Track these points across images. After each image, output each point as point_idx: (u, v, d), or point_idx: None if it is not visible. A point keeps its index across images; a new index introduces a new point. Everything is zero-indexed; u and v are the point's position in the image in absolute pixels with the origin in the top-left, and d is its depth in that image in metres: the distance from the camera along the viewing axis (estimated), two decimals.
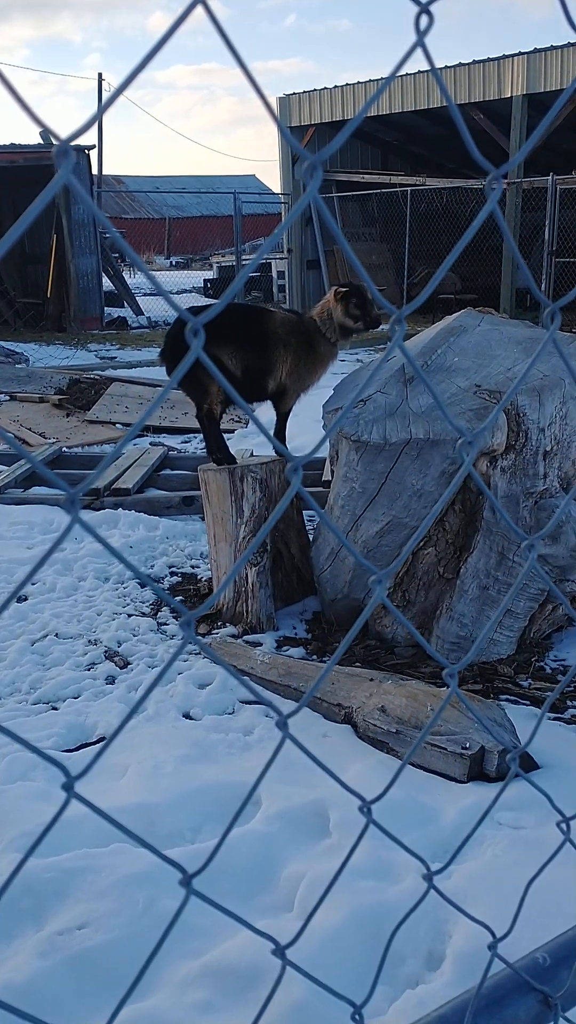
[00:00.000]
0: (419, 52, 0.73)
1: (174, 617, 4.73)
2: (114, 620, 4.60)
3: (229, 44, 0.60)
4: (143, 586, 5.11)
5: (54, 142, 0.61)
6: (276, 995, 2.42)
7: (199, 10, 0.66)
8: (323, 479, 6.47)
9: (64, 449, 7.67)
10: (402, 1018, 2.23)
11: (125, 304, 19.80)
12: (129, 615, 4.68)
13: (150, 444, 8.36)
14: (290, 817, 2.95)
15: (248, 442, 8.00)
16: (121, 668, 4.11)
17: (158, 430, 9.09)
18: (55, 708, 3.74)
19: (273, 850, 2.80)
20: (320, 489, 6.17)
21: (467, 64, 18.04)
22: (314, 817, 2.97)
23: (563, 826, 1.04)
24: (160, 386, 10.33)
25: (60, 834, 2.80)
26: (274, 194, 29.11)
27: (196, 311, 4.57)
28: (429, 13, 0.60)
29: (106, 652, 4.25)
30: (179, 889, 2.72)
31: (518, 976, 0.80)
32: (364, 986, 2.39)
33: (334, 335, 4.49)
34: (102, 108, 0.60)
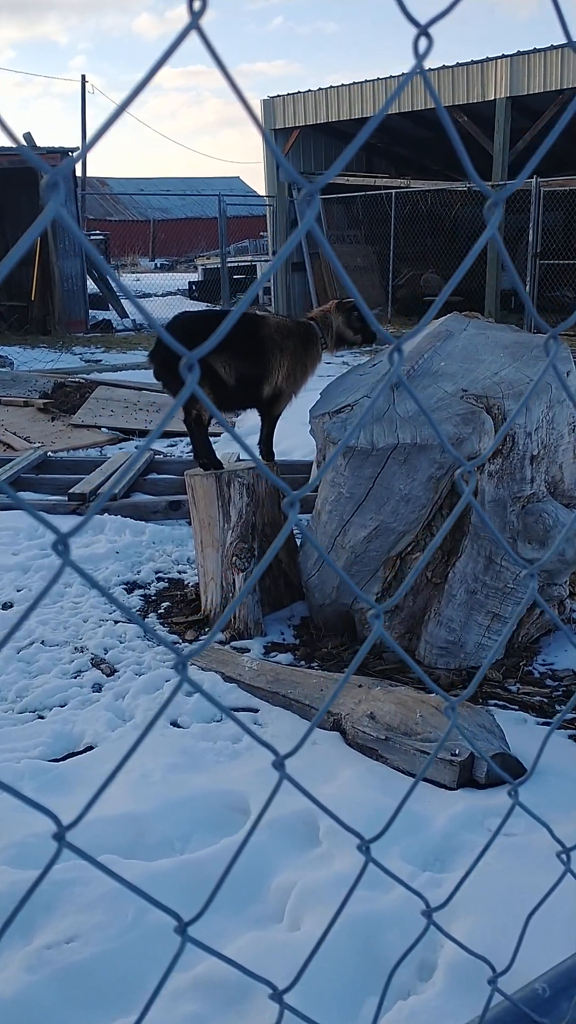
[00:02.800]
0: (410, 52, 0.72)
1: (160, 624, 4.71)
2: (100, 627, 4.57)
3: (223, 68, 0.58)
4: (130, 591, 5.08)
5: (49, 165, 0.60)
6: (267, 1006, 2.40)
7: (185, 10, 0.65)
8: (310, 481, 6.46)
9: (49, 453, 7.62)
10: None
11: (110, 306, 19.75)
12: (116, 622, 4.65)
13: (136, 448, 8.33)
14: (279, 826, 2.93)
15: (234, 446, 7.97)
16: (108, 676, 4.08)
17: (144, 434, 9.06)
18: (41, 717, 3.72)
19: (263, 860, 2.78)
20: (308, 493, 6.16)
21: (451, 67, 18.08)
22: (303, 826, 2.96)
23: (563, 856, 1.04)
24: (146, 389, 10.30)
25: (48, 846, 2.78)
26: (258, 196, 29.11)
27: (187, 318, 4.58)
28: (428, 36, 0.59)
29: (92, 659, 4.22)
30: (169, 901, 2.68)
31: (517, 1008, 0.79)
32: (356, 995, 2.39)
33: (331, 341, 4.60)
34: (99, 131, 0.58)
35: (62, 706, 3.79)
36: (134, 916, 2.49)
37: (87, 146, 0.55)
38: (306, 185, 0.60)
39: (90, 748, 3.47)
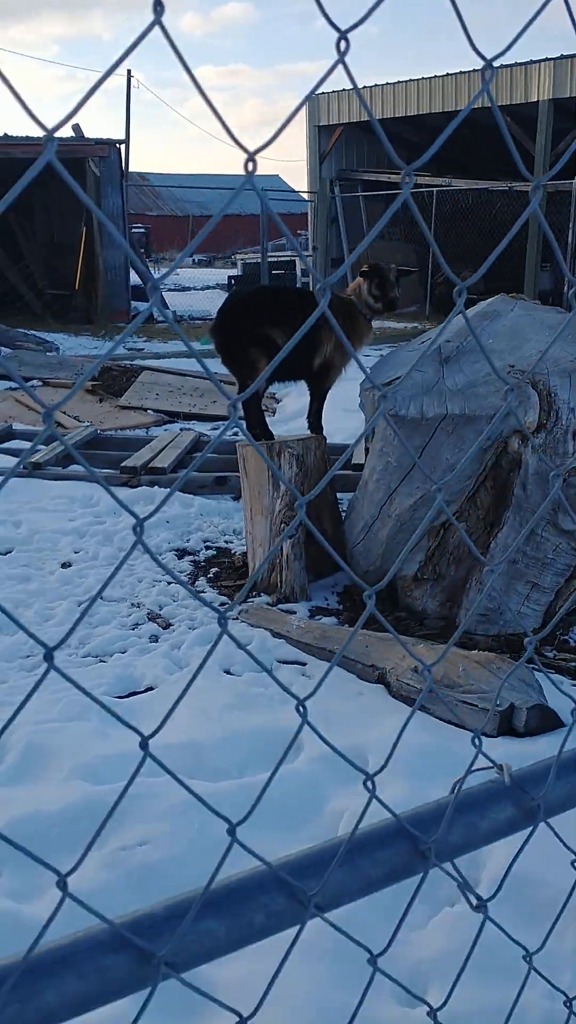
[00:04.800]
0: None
1: (210, 587, 4.92)
2: (154, 587, 4.79)
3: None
4: (181, 556, 5.30)
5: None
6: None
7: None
8: (351, 461, 6.65)
9: (99, 431, 7.88)
10: (440, 928, 2.43)
11: (151, 298, 20.00)
12: (168, 583, 4.87)
13: (181, 430, 8.57)
14: (331, 760, 3.13)
15: (277, 429, 8.17)
16: (163, 628, 4.30)
17: (188, 416, 9.30)
18: (103, 661, 3.94)
19: (316, 788, 2.98)
20: (348, 472, 6.34)
21: (495, 68, 18.16)
22: (354, 760, 3.16)
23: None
24: (189, 375, 10.53)
25: (118, 764, 3.00)
26: (296, 192, 29.32)
27: (244, 294, 4.80)
28: (491, 67, 0.76)
29: (149, 614, 4.44)
30: (229, 815, 2.93)
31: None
32: (400, 902, 2.58)
33: (368, 312, 4.76)
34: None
35: (122, 653, 4.01)
36: (199, 827, 2.70)
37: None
38: (405, 167, 0.79)
39: (150, 689, 3.69)
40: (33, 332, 14.55)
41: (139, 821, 2.71)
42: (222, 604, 4.68)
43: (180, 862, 2.58)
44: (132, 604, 4.56)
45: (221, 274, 28.63)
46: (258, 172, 0.74)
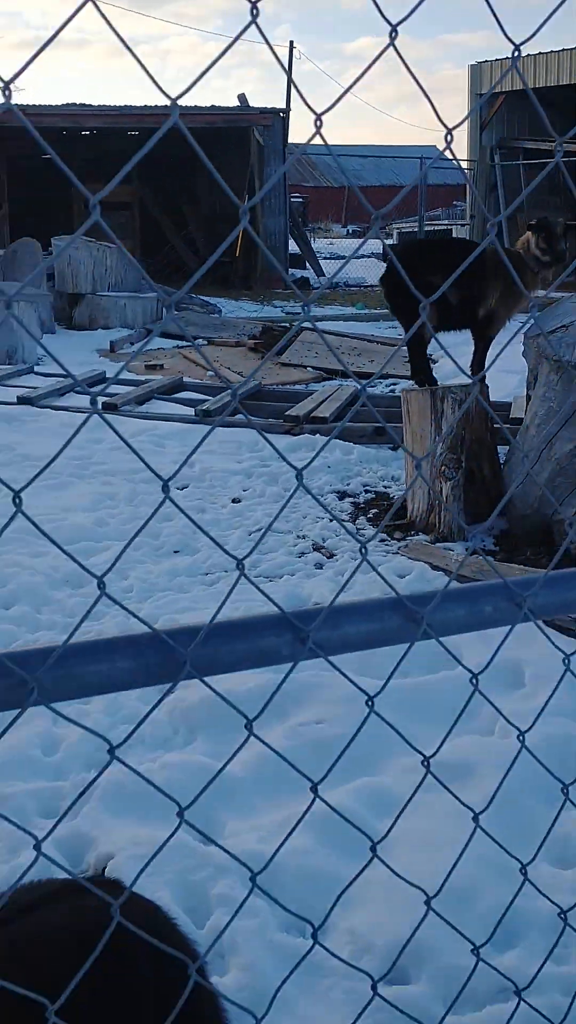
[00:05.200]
0: None
1: (370, 525, 5.20)
2: (317, 523, 5.11)
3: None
4: (341, 498, 5.60)
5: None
6: (482, 783, 2.86)
7: None
8: (510, 416, 6.78)
9: (262, 386, 8.28)
10: None
11: (307, 265, 20.36)
12: (330, 520, 5.17)
13: (339, 385, 8.86)
14: (488, 673, 3.36)
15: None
16: (328, 558, 4.61)
17: (344, 375, 9.58)
18: (272, 581, 4.29)
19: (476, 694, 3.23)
20: (508, 426, 6.49)
21: None
22: (510, 673, 3.40)
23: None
24: (347, 336, 10.81)
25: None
26: (449, 161, 29.00)
27: (411, 244, 5.02)
28: None
29: (313, 545, 4.77)
30: (397, 706, 3.23)
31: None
32: (553, 790, 2.80)
33: (536, 265, 4.87)
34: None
35: (291, 575, 4.35)
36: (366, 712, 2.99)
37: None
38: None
39: (317, 604, 4.01)
40: (198, 296, 15.11)
41: (315, 703, 3.04)
42: (383, 540, 4.96)
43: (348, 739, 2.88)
44: (298, 536, 4.90)
45: (376, 244, 28.67)
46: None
